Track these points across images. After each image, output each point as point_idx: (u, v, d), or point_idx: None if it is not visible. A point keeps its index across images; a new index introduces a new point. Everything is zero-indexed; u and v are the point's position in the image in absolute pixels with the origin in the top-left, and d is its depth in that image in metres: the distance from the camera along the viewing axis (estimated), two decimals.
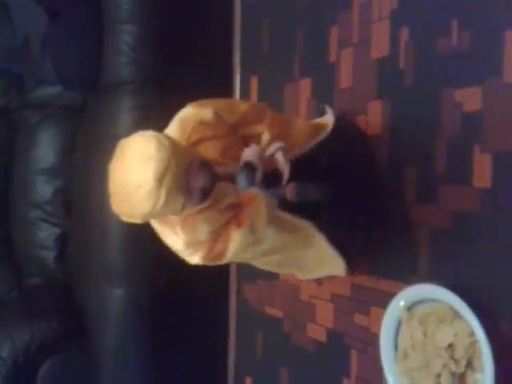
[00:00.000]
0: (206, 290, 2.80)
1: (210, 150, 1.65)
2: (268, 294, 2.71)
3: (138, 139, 1.46)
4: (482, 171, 1.76)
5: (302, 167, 1.89)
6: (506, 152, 1.70)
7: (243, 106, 1.80)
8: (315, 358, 2.45)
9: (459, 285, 1.79)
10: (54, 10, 2.92)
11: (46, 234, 3.10)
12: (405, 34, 2.02)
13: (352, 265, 2.13)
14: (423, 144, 1.95)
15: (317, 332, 2.43)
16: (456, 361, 1.76)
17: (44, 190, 3.10)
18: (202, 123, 1.67)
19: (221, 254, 1.65)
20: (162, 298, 2.72)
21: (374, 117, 2.14)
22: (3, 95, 3.20)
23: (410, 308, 1.92)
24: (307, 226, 1.92)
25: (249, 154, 1.67)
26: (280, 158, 1.76)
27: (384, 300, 2.00)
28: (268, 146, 1.77)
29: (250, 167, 1.65)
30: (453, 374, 1.78)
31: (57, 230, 3.09)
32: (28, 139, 3.14)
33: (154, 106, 2.67)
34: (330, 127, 2.04)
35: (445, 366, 1.78)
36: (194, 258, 1.64)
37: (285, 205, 1.85)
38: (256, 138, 1.79)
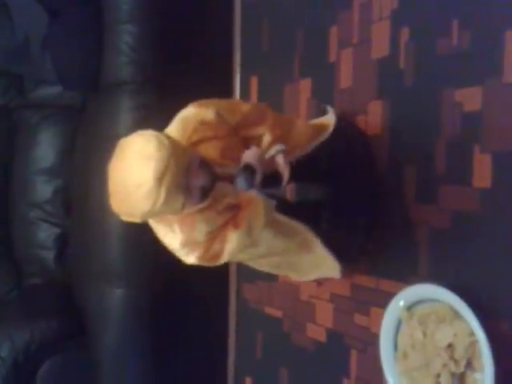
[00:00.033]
0: (205, 290, 2.80)
1: (210, 151, 1.65)
2: (268, 294, 2.71)
3: (138, 138, 1.46)
4: (482, 171, 1.76)
5: (303, 167, 1.89)
6: (505, 152, 1.70)
7: (245, 107, 1.80)
8: (315, 357, 2.45)
9: (459, 285, 1.79)
10: (54, 9, 2.92)
11: (46, 233, 3.10)
12: (405, 34, 2.03)
13: (352, 265, 2.13)
14: (423, 144, 1.95)
15: (316, 332, 2.43)
16: (456, 361, 1.76)
17: (44, 189, 3.10)
18: (203, 123, 1.67)
19: (217, 255, 1.65)
20: (162, 299, 2.72)
21: (374, 117, 2.14)
22: (3, 95, 3.21)
23: (409, 308, 1.92)
24: (304, 230, 1.93)
25: (249, 156, 1.67)
26: (280, 160, 1.76)
27: (384, 300, 2.00)
28: (269, 148, 1.77)
29: (249, 169, 1.65)
30: (452, 374, 1.78)
31: (57, 230, 3.09)
32: (28, 139, 3.14)
33: (154, 106, 2.67)
34: (331, 128, 2.04)
35: (444, 365, 1.78)
36: (190, 258, 1.64)
37: (284, 205, 1.85)
38: (257, 140, 1.79)
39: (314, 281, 2.36)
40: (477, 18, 1.80)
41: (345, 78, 2.29)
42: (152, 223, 1.65)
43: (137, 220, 1.51)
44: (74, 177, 3.00)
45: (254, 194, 1.68)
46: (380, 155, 2.11)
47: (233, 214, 1.65)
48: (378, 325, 2.01)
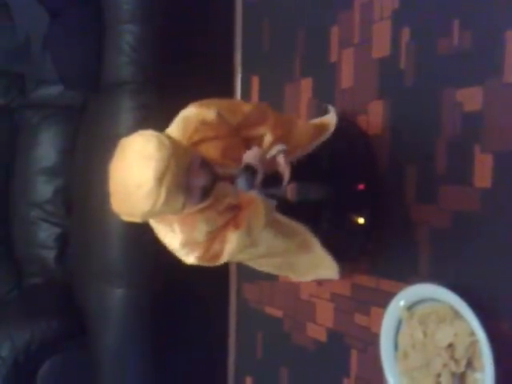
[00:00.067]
0: (206, 290, 2.80)
1: (211, 151, 1.65)
2: (268, 294, 2.72)
3: (139, 138, 1.46)
4: (483, 171, 1.76)
5: (303, 167, 1.89)
6: (506, 152, 1.71)
7: (246, 107, 1.80)
8: (315, 357, 2.45)
9: (459, 285, 1.79)
10: (55, 9, 2.93)
11: (47, 233, 3.10)
12: (406, 34, 2.03)
13: (352, 265, 2.13)
14: (424, 144, 1.95)
15: (317, 332, 2.43)
16: (456, 360, 1.76)
17: (45, 189, 3.10)
18: (204, 123, 1.67)
19: (217, 255, 1.65)
20: (163, 299, 2.72)
21: (374, 117, 2.14)
22: (4, 95, 3.21)
23: (410, 308, 1.92)
24: (304, 231, 1.93)
25: (250, 156, 1.68)
26: (281, 160, 1.76)
27: (384, 300, 2.00)
28: (270, 149, 1.77)
29: (250, 170, 1.65)
30: (453, 374, 1.78)
31: (57, 230, 3.09)
32: (29, 139, 3.14)
33: (155, 105, 2.67)
34: (332, 127, 2.04)
35: (445, 365, 1.78)
36: (190, 258, 1.64)
37: (285, 205, 1.85)
38: (258, 140, 1.78)
39: (315, 280, 2.36)
40: (477, 18, 1.80)
41: (346, 77, 2.29)
42: (152, 223, 1.65)
43: (137, 220, 1.51)
44: (74, 176, 3.00)
45: (254, 194, 1.68)
46: (381, 155, 2.11)
47: (233, 214, 1.65)
48: (379, 324, 2.01)
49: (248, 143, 1.75)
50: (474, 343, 1.73)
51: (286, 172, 1.75)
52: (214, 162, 1.61)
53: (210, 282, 2.68)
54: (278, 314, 2.65)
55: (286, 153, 1.77)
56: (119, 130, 2.62)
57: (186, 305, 2.78)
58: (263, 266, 2.09)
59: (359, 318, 2.21)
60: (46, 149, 3.11)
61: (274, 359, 2.70)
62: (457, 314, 1.77)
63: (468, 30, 1.82)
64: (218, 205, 1.62)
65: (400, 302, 1.93)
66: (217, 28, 2.95)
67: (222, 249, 1.64)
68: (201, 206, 1.57)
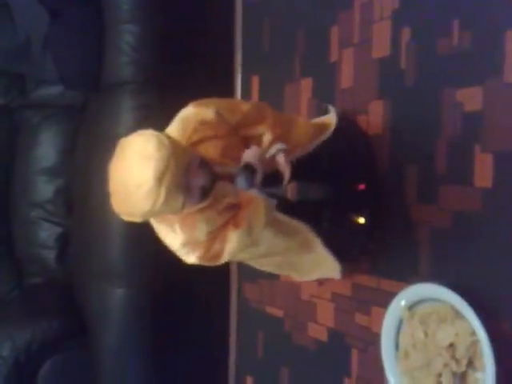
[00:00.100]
0: (206, 289, 2.81)
1: (210, 150, 1.65)
2: (269, 294, 2.72)
3: (138, 138, 1.46)
4: (483, 171, 1.76)
5: (303, 166, 1.89)
6: (506, 152, 1.71)
7: (245, 106, 1.80)
8: (316, 357, 2.45)
9: (460, 284, 1.80)
10: (55, 9, 2.93)
11: (47, 233, 3.10)
12: (406, 34, 2.03)
13: (353, 264, 2.13)
14: (424, 144, 1.95)
15: (318, 331, 2.43)
16: (457, 360, 1.76)
17: (45, 189, 3.10)
18: (203, 123, 1.67)
19: (217, 255, 1.65)
20: (163, 298, 2.72)
21: (375, 117, 2.14)
22: (5, 95, 3.21)
23: (411, 307, 1.92)
24: (305, 230, 1.92)
25: (249, 155, 1.67)
26: (281, 159, 1.76)
27: (385, 299, 2.00)
28: (269, 148, 1.77)
29: (249, 169, 1.65)
30: (454, 374, 1.78)
31: (58, 230, 3.09)
32: (29, 139, 3.14)
33: (155, 105, 2.67)
34: (332, 127, 2.04)
35: (446, 365, 1.78)
36: (191, 258, 1.64)
37: (285, 205, 1.85)
38: (257, 139, 1.78)
39: (315, 280, 2.37)
40: (477, 18, 1.80)
41: (346, 77, 2.29)
42: (153, 223, 1.65)
43: (137, 220, 1.51)
44: (75, 176, 3.00)
45: (254, 193, 1.68)
46: (381, 155, 2.11)
47: (233, 213, 1.65)
48: (379, 324, 2.01)
49: (247, 142, 1.75)
50: (474, 343, 1.73)
51: (286, 171, 1.75)
52: (213, 161, 1.61)
53: (211, 281, 2.68)
54: (279, 313, 2.65)
55: (285, 152, 1.77)
56: (119, 130, 2.62)
57: (186, 304, 2.78)
58: (264, 265, 2.09)
59: (360, 318, 2.21)
60: (47, 149, 3.11)
61: (275, 359, 2.70)
62: (458, 314, 1.77)
63: (468, 30, 1.82)
64: (218, 204, 1.62)
65: (401, 301, 1.93)
66: (217, 28, 2.95)
67: (222, 248, 1.64)
68: (200, 205, 1.57)
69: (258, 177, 1.66)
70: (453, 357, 1.77)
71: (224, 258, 1.66)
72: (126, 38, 2.70)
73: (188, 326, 2.78)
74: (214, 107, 1.69)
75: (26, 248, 3.14)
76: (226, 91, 2.93)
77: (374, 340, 2.09)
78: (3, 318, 2.82)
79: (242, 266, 2.89)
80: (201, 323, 2.82)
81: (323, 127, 2.05)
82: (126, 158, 1.45)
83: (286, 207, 1.86)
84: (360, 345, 2.22)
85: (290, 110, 2.58)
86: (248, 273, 2.84)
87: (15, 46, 3.12)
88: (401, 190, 2.03)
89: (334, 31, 2.35)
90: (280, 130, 1.82)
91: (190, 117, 1.68)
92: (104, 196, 1.57)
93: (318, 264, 2.04)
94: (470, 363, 1.76)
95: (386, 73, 2.11)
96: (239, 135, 1.76)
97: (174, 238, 1.62)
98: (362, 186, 2.08)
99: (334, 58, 2.35)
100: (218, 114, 1.69)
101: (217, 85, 2.73)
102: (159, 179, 1.40)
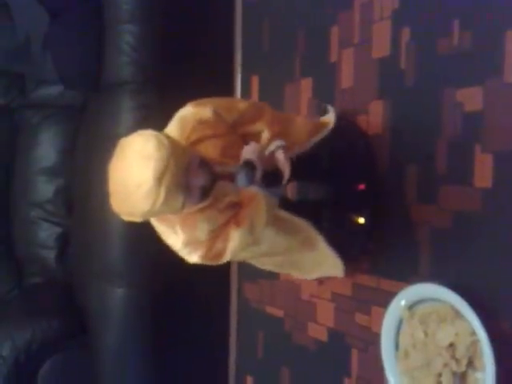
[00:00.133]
0: (206, 289, 2.81)
1: (210, 149, 1.66)
2: (269, 294, 2.72)
3: (138, 138, 1.46)
4: (483, 171, 1.76)
5: (303, 166, 1.89)
6: (506, 152, 1.71)
7: (242, 105, 1.80)
8: (316, 357, 2.45)
9: (460, 284, 1.80)
10: (55, 9, 2.93)
11: (47, 233, 3.10)
12: (406, 34, 2.03)
13: (353, 264, 2.13)
14: (424, 144, 1.95)
15: (318, 331, 2.43)
16: (457, 360, 1.77)
17: (45, 189, 3.10)
18: (201, 122, 1.67)
19: (220, 254, 1.65)
20: (163, 298, 2.72)
21: (375, 117, 2.14)
22: (4, 95, 3.21)
23: (411, 307, 1.92)
24: (306, 227, 1.92)
25: (248, 152, 1.67)
26: (280, 156, 1.76)
27: (385, 299, 2.00)
28: (268, 145, 1.77)
29: (249, 165, 1.65)
30: (454, 374, 1.78)
31: (58, 230, 3.09)
32: (29, 139, 3.14)
33: (155, 105, 2.67)
34: (331, 125, 2.04)
35: (446, 365, 1.79)
36: (193, 257, 1.64)
37: (285, 204, 1.85)
38: (256, 137, 1.79)
39: (316, 280, 2.37)
40: (477, 18, 1.80)
41: (346, 77, 2.29)
42: (155, 224, 1.66)
43: (137, 219, 1.51)
44: (75, 176, 3.00)
45: (255, 190, 1.68)
46: (381, 155, 2.11)
47: (234, 211, 1.65)
48: (379, 324, 2.01)
49: (246, 141, 1.75)
50: (474, 343, 1.73)
51: (285, 168, 1.75)
52: (213, 161, 1.61)
53: (211, 281, 2.68)
54: (279, 313, 2.65)
55: (284, 148, 1.77)
56: (119, 130, 2.62)
57: (186, 304, 2.78)
58: (266, 264, 2.09)
59: (360, 318, 2.22)
60: (47, 149, 3.11)
61: (275, 359, 2.70)
62: (458, 314, 1.78)
63: (468, 30, 1.82)
64: (219, 203, 1.62)
65: (401, 301, 1.93)
66: (217, 28, 2.95)
67: (224, 247, 1.64)
68: (200, 205, 1.57)
69: (258, 173, 1.66)
70: (453, 357, 1.77)
71: (226, 257, 1.66)
72: (125, 38, 2.70)
73: (188, 325, 2.78)
74: (211, 106, 1.70)
75: (26, 248, 3.14)
76: (226, 91, 2.93)
77: (374, 340, 2.10)
78: (3, 318, 2.82)
79: (242, 266, 2.89)
80: (201, 323, 2.82)
81: (321, 125, 2.05)
82: (126, 157, 1.45)
83: (287, 207, 1.86)
84: (360, 345, 2.22)
85: (290, 110, 2.58)
86: (248, 273, 2.84)
87: (15, 45, 3.13)
88: (401, 190, 2.03)
89: (334, 31, 2.35)
90: (278, 127, 1.82)
91: (188, 116, 1.68)
92: (104, 196, 1.57)
93: (320, 262, 2.04)
94: (470, 363, 1.76)
95: (386, 73, 2.11)
96: (238, 134, 1.76)
97: (175, 238, 1.62)
98: (362, 186, 2.08)
99: (334, 58, 2.35)
100: (216, 112, 1.69)
101: (217, 85, 2.73)
102: (159, 179, 1.40)
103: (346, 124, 2.14)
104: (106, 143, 1.72)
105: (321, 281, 2.38)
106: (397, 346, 1.98)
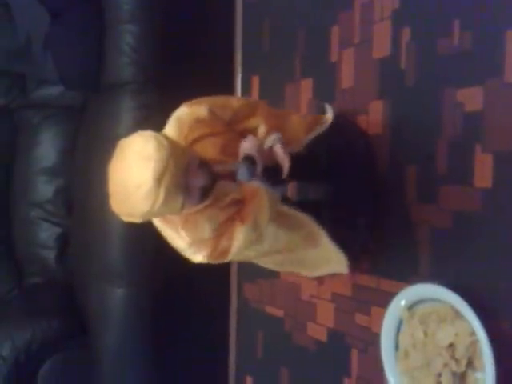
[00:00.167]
0: (206, 289, 2.81)
1: (209, 148, 1.66)
2: (269, 294, 2.72)
3: (138, 139, 1.46)
4: (483, 171, 1.76)
5: (303, 166, 1.89)
6: (507, 152, 1.71)
7: (236, 102, 1.80)
8: (316, 357, 2.45)
9: (460, 284, 1.80)
10: (56, 9, 2.93)
11: (47, 233, 3.10)
12: (406, 34, 2.03)
13: (353, 264, 2.13)
14: (424, 144, 1.95)
15: (317, 332, 2.43)
16: (457, 360, 1.77)
17: (45, 189, 3.10)
18: (198, 121, 1.67)
19: (225, 252, 1.65)
20: (163, 298, 2.72)
21: (375, 117, 2.14)
22: (5, 95, 3.21)
23: (410, 307, 1.92)
24: (308, 221, 1.92)
25: (247, 146, 1.67)
26: (279, 150, 1.75)
27: (385, 300, 2.00)
28: (265, 139, 1.77)
29: (249, 160, 1.64)
30: (454, 374, 1.78)
31: (58, 230, 3.09)
32: (29, 139, 3.14)
33: (155, 105, 2.67)
34: (328, 122, 2.04)
35: (446, 365, 1.78)
36: (198, 257, 1.64)
37: (286, 203, 1.85)
38: (253, 132, 1.78)
39: (316, 280, 2.37)
40: (478, 18, 1.80)
41: (346, 77, 2.29)
42: (160, 227, 1.65)
43: (137, 220, 1.51)
44: (75, 176, 3.00)
45: (256, 184, 1.68)
46: (381, 155, 2.11)
47: (237, 208, 1.65)
48: (379, 324, 2.01)
49: (244, 137, 1.75)
50: (474, 343, 1.73)
51: (284, 161, 1.75)
52: (213, 160, 1.61)
53: (211, 281, 2.68)
54: (279, 313, 2.65)
55: (282, 142, 1.77)
56: (120, 131, 2.62)
57: (186, 304, 2.78)
58: (270, 263, 2.08)
59: (360, 318, 2.21)
60: (47, 149, 3.11)
61: (275, 359, 2.70)
62: (457, 314, 1.78)
63: (468, 30, 1.82)
64: (220, 203, 1.63)
65: (401, 301, 1.93)
66: (217, 28, 2.95)
67: (229, 245, 1.64)
68: (200, 206, 1.57)
69: (259, 167, 1.66)
70: (452, 357, 1.77)
71: (232, 255, 1.66)
72: (126, 38, 2.70)
73: (188, 326, 2.79)
74: (206, 105, 1.70)
75: (26, 248, 3.14)
76: (227, 91, 2.93)
77: (373, 340, 2.09)
78: (3, 318, 2.82)
79: (242, 266, 2.89)
80: (201, 323, 2.83)
81: (318, 121, 2.04)
82: (126, 158, 1.45)
83: (288, 204, 1.86)
84: (360, 345, 2.22)
85: (290, 110, 2.58)
86: (248, 273, 2.84)
87: (15, 46, 3.12)
88: (401, 189, 2.03)
89: (335, 31, 2.35)
90: (274, 121, 1.82)
91: (183, 117, 1.68)
92: (104, 196, 1.57)
93: (325, 259, 2.03)
94: (470, 363, 1.76)
95: (386, 73, 2.11)
96: (235, 131, 1.76)
97: (179, 240, 1.63)
98: (362, 186, 2.08)
99: (334, 58, 2.35)
100: (211, 111, 1.70)
101: (217, 85, 2.72)
102: (158, 180, 1.40)
103: (344, 122, 2.14)
104: (106, 144, 1.72)
105: (321, 281, 2.38)
106: (397, 347, 1.97)
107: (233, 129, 1.75)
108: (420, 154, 1.98)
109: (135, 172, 1.42)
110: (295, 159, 1.80)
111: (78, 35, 2.88)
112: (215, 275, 2.56)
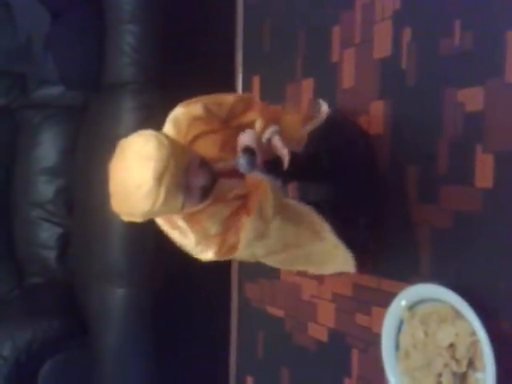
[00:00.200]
0: (207, 289, 2.81)
1: (209, 145, 1.66)
2: (269, 294, 2.72)
3: (138, 139, 1.47)
4: (484, 171, 1.76)
5: (303, 167, 1.89)
6: (507, 152, 1.71)
7: (231, 98, 1.80)
8: (316, 357, 2.45)
9: (460, 284, 1.80)
10: (56, 10, 2.93)
11: (48, 233, 3.10)
12: (407, 34, 2.03)
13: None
14: (425, 144, 1.96)
15: (318, 332, 2.43)
16: (457, 360, 1.77)
17: (46, 189, 3.10)
18: (195, 119, 1.68)
19: (233, 247, 1.66)
20: (164, 298, 2.72)
21: (376, 117, 2.14)
22: (6, 95, 3.21)
23: (411, 307, 1.92)
24: (311, 212, 1.91)
25: (245, 139, 1.67)
26: (277, 142, 1.76)
27: (385, 300, 2.00)
28: (263, 132, 1.77)
29: (249, 151, 1.64)
30: (454, 374, 1.78)
31: (58, 230, 3.09)
32: (30, 139, 3.14)
33: (156, 106, 2.67)
34: (323, 114, 2.05)
35: (446, 365, 1.79)
36: (207, 254, 1.64)
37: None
38: (250, 127, 1.79)
39: (316, 280, 2.37)
40: (479, 18, 1.80)
41: (347, 77, 2.29)
42: (166, 230, 1.65)
43: (137, 220, 1.51)
44: (75, 176, 3.00)
45: (258, 175, 1.68)
46: (382, 155, 2.11)
47: (241, 202, 1.66)
48: (380, 324, 2.01)
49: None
50: (475, 343, 1.73)
51: (284, 152, 1.75)
52: (214, 159, 1.61)
53: (212, 281, 2.68)
54: (280, 313, 2.65)
55: (280, 134, 1.77)
56: (120, 131, 2.62)
57: (187, 304, 2.78)
58: (279, 261, 2.06)
59: (360, 318, 2.21)
60: (47, 149, 3.11)
61: (275, 359, 2.70)
62: (458, 314, 1.78)
63: (469, 31, 1.82)
64: (223, 199, 1.63)
65: (401, 301, 1.93)
66: (218, 28, 2.95)
67: (237, 239, 1.65)
68: (201, 206, 1.58)
69: (259, 158, 1.66)
70: (453, 357, 1.77)
71: (240, 249, 1.66)
72: (127, 39, 2.70)
73: (188, 325, 2.79)
74: (201, 103, 1.70)
75: (27, 248, 3.14)
76: (227, 91, 2.91)
77: (374, 340, 2.09)
78: (4, 318, 2.82)
79: (242, 266, 2.89)
80: (201, 323, 2.82)
81: (313, 115, 2.06)
82: (126, 158, 1.45)
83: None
84: (360, 345, 2.22)
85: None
86: (249, 272, 2.84)
87: (16, 46, 3.12)
88: (401, 189, 2.03)
89: (336, 31, 2.35)
90: (270, 114, 1.83)
91: (180, 117, 1.69)
92: (104, 196, 1.57)
93: (331, 255, 2.02)
94: (471, 363, 1.76)
95: (387, 73, 2.12)
96: (233, 127, 1.76)
97: (185, 240, 1.63)
98: (362, 186, 2.08)
99: (335, 58, 2.35)
100: (207, 108, 1.70)
101: (218, 85, 2.71)
102: (159, 179, 1.41)
103: (345, 122, 2.15)
104: (107, 144, 1.72)
105: (321, 281, 2.38)
106: (397, 347, 1.98)
107: (230, 125, 1.76)
108: (421, 153, 1.98)
109: (136, 172, 1.42)
110: (296, 159, 1.80)
111: (79, 35, 2.88)
112: (216, 275, 2.57)
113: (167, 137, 1.49)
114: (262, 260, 2.05)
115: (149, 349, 2.76)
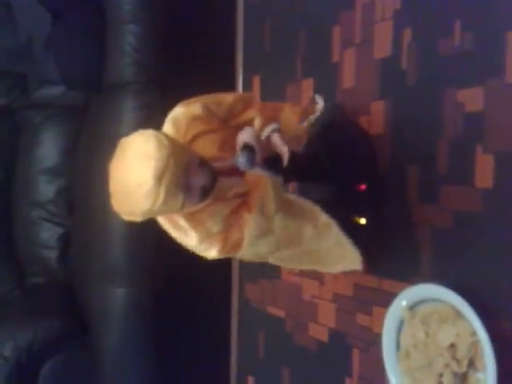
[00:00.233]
0: (208, 289, 2.81)
1: (208, 145, 1.66)
2: (270, 294, 2.72)
3: (138, 138, 1.47)
4: (484, 171, 1.76)
5: (304, 167, 1.89)
6: (507, 152, 1.71)
7: (230, 97, 1.80)
8: (317, 357, 2.45)
9: (461, 285, 1.80)
10: (57, 10, 2.93)
11: (49, 233, 3.10)
12: (407, 34, 2.03)
13: None
14: (425, 144, 1.96)
15: (319, 332, 2.43)
16: (458, 361, 1.77)
17: (47, 189, 3.10)
18: (194, 119, 1.68)
19: (237, 244, 1.66)
20: (164, 298, 2.72)
21: (376, 117, 2.14)
22: (6, 95, 3.21)
23: (412, 308, 1.92)
24: (311, 206, 1.91)
25: (244, 137, 1.67)
26: (277, 140, 1.76)
27: (386, 300, 2.00)
28: (262, 130, 1.77)
29: (248, 148, 1.64)
30: (455, 374, 1.78)
31: (59, 230, 3.09)
32: (31, 139, 3.14)
33: (157, 106, 2.67)
34: (320, 108, 2.05)
35: (447, 365, 1.79)
36: (211, 252, 1.64)
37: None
38: (249, 125, 1.78)
39: (317, 280, 2.37)
40: (479, 18, 1.80)
41: (347, 78, 2.29)
42: (168, 229, 1.66)
43: (138, 219, 1.52)
44: (76, 176, 3.00)
45: (258, 171, 1.68)
46: (382, 155, 2.11)
47: (241, 200, 1.66)
48: (381, 325, 2.01)
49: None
50: (475, 343, 1.73)
51: (283, 149, 1.75)
52: (213, 159, 1.61)
53: (213, 281, 2.68)
54: (281, 313, 2.66)
55: (279, 132, 1.78)
56: (121, 130, 2.62)
57: (188, 304, 2.78)
58: (286, 260, 2.04)
59: (361, 318, 2.22)
60: (48, 149, 3.11)
61: (276, 359, 2.70)
62: (458, 314, 1.78)
63: (469, 31, 1.82)
64: (223, 197, 1.63)
65: (402, 302, 1.93)
66: (218, 28, 2.95)
67: (241, 236, 1.65)
68: (201, 205, 1.58)
69: (258, 156, 1.66)
70: (454, 357, 1.77)
71: (244, 246, 1.66)
72: (127, 39, 2.70)
73: (189, 325, 2.79)
74: (200, 103, 1.70)
75: (28, 248, 3.14)
76: (228, 91, 2.92)
77: (375, 340, 2.10)
78: (5, 318, 2.82)
79: (243, 266, 2.89)
80: (202, 323, 2.83)
81: (309, 110, 2.06)
82: (127, 157, 1.45)
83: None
84: (361, 345, 2.22)
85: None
86: (249, 273, 2.84)
87: (17, 46, 3.12)
88: (402, 189, 2.03)
89: (336, 31, 2.35)
90: (269, 112, 1.83)
91: (179, 116, 1.68)
92: (105, 196, 1.57)
93: (339, 254, 2.01)
94: (471, 363, 1.76)
95: (387, 73, 2.12)
96: (232, 127, 1.76)
97: (188, 239, 1.63)
98: (363, 186, 2.08)
99: (335, 58, 2.35)
100: (206, 108, 1.70)
101: (218, 85, 2.71)
102: (159, 179, 1.41)
103: (345, 122, 2.15)
104: (108, 144, 1.72)
105: (322, 281, 2.38)
106: (398, 347, 1.98)
107: (229, 125, 1.76)
108: (421, 154, 1.98)
109: (136, 171, 1.42)
110: (296, 159, 1.80)
111: (80, 35, 2.88)
112: (217, 275, 2.57)
113: (167, 136, 1.49)
114: (269, 260, 2.05)
115: (149, 348, 2.76)
